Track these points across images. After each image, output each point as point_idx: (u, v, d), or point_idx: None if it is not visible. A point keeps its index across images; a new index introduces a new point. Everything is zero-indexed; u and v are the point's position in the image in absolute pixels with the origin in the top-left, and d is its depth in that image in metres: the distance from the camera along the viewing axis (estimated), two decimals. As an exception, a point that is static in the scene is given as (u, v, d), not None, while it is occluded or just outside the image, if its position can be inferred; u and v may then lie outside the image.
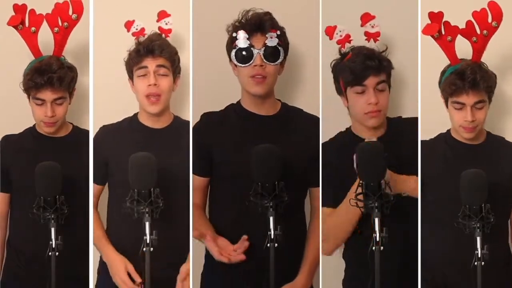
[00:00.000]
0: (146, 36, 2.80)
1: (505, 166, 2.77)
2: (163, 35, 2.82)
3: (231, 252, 2.68)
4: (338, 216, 2.72)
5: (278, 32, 2.74)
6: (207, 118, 2.82)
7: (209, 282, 2.81)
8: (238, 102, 2.83)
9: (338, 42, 2.81)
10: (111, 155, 2.81)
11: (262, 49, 2.72)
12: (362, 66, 2.71)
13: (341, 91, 2.79)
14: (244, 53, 2.72)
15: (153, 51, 2.75)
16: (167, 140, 2.82)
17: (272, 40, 2.72)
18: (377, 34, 2.80)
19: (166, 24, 2.84)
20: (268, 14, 2.75)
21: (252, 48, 2.72)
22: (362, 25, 2.81)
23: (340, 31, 2.80)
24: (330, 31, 2.81)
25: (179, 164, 2.78)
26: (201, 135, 2.80)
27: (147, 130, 2.83)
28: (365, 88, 2.72)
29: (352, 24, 2.81)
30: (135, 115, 2.86)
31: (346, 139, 2.80)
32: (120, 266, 2.75)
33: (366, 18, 2.81)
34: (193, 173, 2.81)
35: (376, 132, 2.78)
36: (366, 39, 2.80)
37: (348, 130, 2.83)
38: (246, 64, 2.72)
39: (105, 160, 2.81)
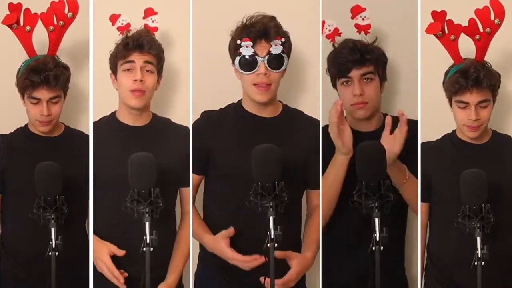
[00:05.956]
0: (133, 31, 2.79)
1: (507, 165, 2.77)
2: (151, 32, 2.82)
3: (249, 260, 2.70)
4: (329, 176, 2.75)
5: (283, 39, 2.72)
6: (207, 117, 2.81)
7: (203, 282, 2.81)
8: (239, 101, 2.82)
9: (327, 37, 2.84)
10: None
11: (266, 57, 2.70)
12: (344, 60, 2.75)
13: (334, 84, 2.82)
14: (247, 60, 2.71)
15: (142, 46, 2.75)
16: (148, 137, 2.81)
17: (276, 48, 2.71)
18: (368, 26, 2.84)
19: (153, 22, 2.85)
20: (273, 19, 2.73)
21: (256, 56, 2.70)
22: (352, 18, 2.84)
23: (328, 26, 2.84)
24: (322, 27, 2.84)
25: (163, 161, 2.74)
26: (200, 133, 2.80)
27: (127, 128, 2.82)
28: (350, 79, 2.75)
29: (343, 18, 2.85)
30: (113, 113, 2.85)
31: None
32: (103, 251, 2.75)
33: (356, 10, 2.84)
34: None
35: (369, 125, 2.80)
36: (357, 31, 2.83)
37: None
38: (250, 72, 2.71)
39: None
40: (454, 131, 2.81)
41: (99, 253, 2.76)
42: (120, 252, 2.75)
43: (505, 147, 2.81)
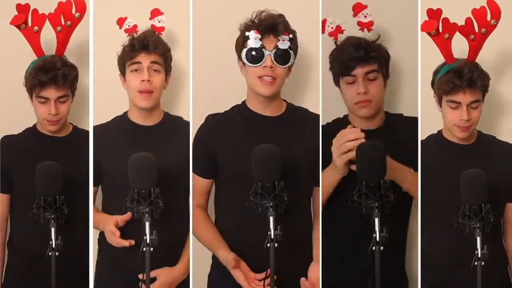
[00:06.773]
0: (140, 33, 2.81)
1: (497, 165, 2.77)
2: (157, 33, 2.83)
3: (254, 280, 2.70)
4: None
5: (291, 36, 2.73)
6: (212, 120, 2.81)
7: (217, 285, 2.82)
8: (243, 102, 2.82)
9: (330, 35, 2.82)
10: (102, 154, 2.81)
11: (273, 51, 2.70)
12: (348, 57, 2.74)
13: (337, 82, 2.81)
14: (254, 53, 2.71)
15: (147, 46, 2.77)
16: (158, 137, 2.81)
17: (284, 43, 2.71)
18: (370, 23, 2.83)
19: (159, 22, 2.85)
20: (281, 16, 2.74)
21: (263, 49, 2.70)
22: (354, 15, 2.83)
23: (330, 23, 2.82)
24: (322, 25, 2.83)
25: (172, 161, 2.77)
26: (206, 137, 2.80)
27: (138, 127, 2.83)
28: (355, 78, 2.75)
29: (345, 16, 2.84)
30: (125, 113, 2.86)
31: (341, 127, 2.76)
32: (109, 219, 2.75)
33: (358, 8, 2.83)
34: (197, 174, 2.81)
35: (371, 123, 2.80)
36: (359, 29, 2.82)
37: (345, 117, 2.84)
38: (256, 65, 2.71)
39: (97, 159, 2.81)
40: (439, 132, 2.81)
41: (105, 225, 2.76)
42: (127, 216, 2.72)
43: (491, 147, 2.81)
